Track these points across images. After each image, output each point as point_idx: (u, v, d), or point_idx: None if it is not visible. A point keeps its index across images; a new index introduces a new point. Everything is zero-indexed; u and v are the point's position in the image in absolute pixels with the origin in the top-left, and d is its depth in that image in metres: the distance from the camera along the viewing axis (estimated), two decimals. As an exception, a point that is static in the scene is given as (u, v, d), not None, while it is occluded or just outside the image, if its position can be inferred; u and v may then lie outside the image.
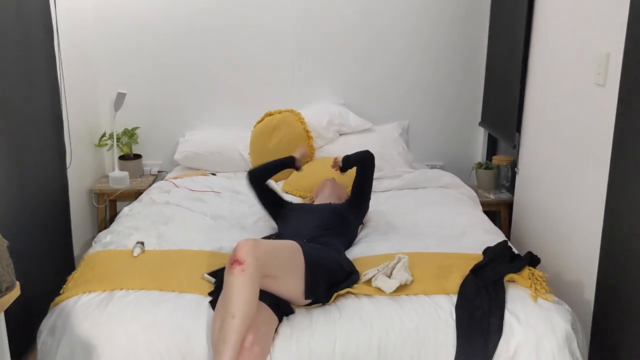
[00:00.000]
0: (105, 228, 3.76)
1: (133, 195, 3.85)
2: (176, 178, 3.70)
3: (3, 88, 2.55)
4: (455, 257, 2.48)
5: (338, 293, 2.21)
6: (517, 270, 2.30)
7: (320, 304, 2.20)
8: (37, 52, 2.87)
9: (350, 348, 2.03)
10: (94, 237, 3.81)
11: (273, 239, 2.48)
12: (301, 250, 2.20)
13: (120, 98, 3.82)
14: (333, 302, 2.20)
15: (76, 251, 3.46)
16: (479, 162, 3.98)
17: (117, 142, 4.00)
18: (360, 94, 4.19)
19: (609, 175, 2.30)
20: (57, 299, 2.24)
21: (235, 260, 1.96)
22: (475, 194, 3.52)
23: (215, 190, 3.50)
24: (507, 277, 2.27)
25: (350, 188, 3.00)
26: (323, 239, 2.49)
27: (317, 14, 4.06)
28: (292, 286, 2.13)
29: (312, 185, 3.42)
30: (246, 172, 2.94)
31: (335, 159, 2.93)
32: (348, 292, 2.24)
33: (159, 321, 2.07)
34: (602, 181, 2.39)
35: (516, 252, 2.48)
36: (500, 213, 3.79)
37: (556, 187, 2.89)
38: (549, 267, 2.91)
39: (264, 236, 2.70)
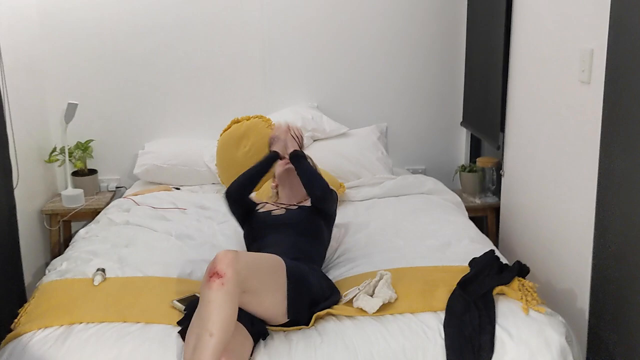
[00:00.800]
0: (59, 252, 3.74)
1: (89, 215, 3.83)
2: (136, 194, 3.70)
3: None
4: (440, 270, 2.51)
5: (318, 314, 2.23)
6: (507, 281, 2.33)
7: (298, 326, 2.21)
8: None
9: (334, 375, 2.05)
10: (47, 264, 3.80)
11: None
12: (284, 265, 2.21)
13: (71, 109, 3.79)
14: (313, 325, 2.22)
15: (27, 280, 3.41)
16: (463, 165, 4.03)
17: (70, 157, 3.98)
18: (335, 95, 4.22)
19: (599, 174, 2.36)
20: (8, 336, 2.21)
21: (214, 273, 1.96)
22: (460, 199, 3.57)
23: (180, 206, 3.50)
24: (496, 290, 2.30)
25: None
26: (301, 258, 2.50)
27: (285, 9, 4.07)
28: (272, 303, 2.14)
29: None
30: (223, 195, 2.82)
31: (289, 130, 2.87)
32: (328, 314, 2.25)
33: (124, 357, 2.06)
34: (592, 181, 2.44)
35: (505, 261, 2.52)
36: (487, 218, 3.85)
37: (544, 189, 2.94)
38: (539, 276, 2.96)
39: None
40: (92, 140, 4.12)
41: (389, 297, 2.26)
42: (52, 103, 4.07)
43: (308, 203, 2.83)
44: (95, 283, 2.49)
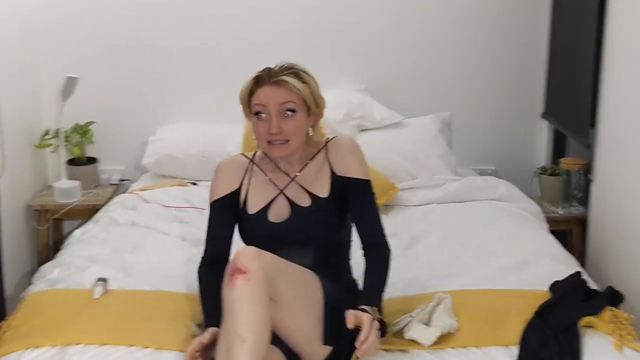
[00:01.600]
0: (47, 257, 3.77)
1: (86, 212, 3.85)
2: (144, 189, 3.73)
3: None
4: (514, 295, 2.50)
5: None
6: (596, 311, 2.32)
7: None
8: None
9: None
10: (32, 270, 3.82)
11: None
12: (319, 280, 2.20)
13: (70, 84, 3.81)
14: (357, 360, 2.22)
15: (8, 289, 3.40)
16: (543, 167, 4.00)
17: (65, 141, 4.02)
18: (388, 77, 4.22)
19: None
20: None
21: (235, 270, 1.97)
22: (539, 208, 3.56)
23: (197, 206, 3.52)
24: (582, 321, 2.28)
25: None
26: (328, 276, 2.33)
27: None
28: (304, 323, 2.12)
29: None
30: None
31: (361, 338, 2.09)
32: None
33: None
34: None
35: (594, 286, 2.51)
36: (571, 233, 3.82)
37: (645, 200, 2.91)
38: (636, 305, 2.92)
39: None
40: (92, 123, 4.15)
41: (449, 327, 2.25)
42: (47, 77, 4.11)
43: (321, 168, 2.43)
44: (95, 296, 2.51)
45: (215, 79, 4.19)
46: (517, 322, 2.30)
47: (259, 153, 2.52)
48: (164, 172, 4.04)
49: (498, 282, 2.62)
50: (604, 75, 3.32)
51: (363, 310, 2.11)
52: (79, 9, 4.07)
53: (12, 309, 2.82)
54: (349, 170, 2.38)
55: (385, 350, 2.23)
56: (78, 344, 2.22)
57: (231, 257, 2.08)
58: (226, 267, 2.03)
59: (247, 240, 2.40)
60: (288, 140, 2.30)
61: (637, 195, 2.98)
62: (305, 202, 2.37)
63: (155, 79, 4.19)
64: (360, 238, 2.37)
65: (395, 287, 2.64)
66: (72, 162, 4.10)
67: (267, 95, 2.31)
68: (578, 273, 2.53)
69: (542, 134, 4.32)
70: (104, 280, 2.60)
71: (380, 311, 2.22)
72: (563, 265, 2.78)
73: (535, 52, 4.20)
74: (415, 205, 3.58)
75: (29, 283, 2.85)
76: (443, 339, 2.23)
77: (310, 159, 2.43)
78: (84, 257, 2.87)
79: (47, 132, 4.07)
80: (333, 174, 2.38)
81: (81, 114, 4.14)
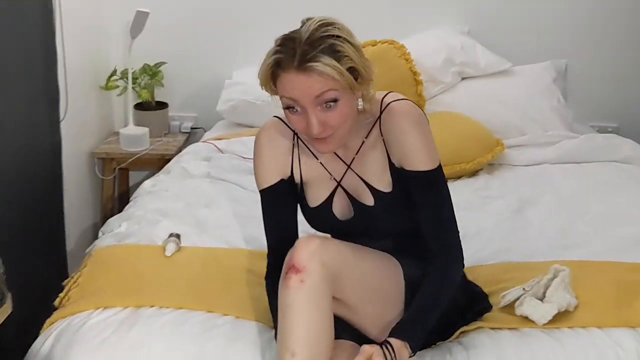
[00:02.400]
0: (112, 210, 3.85)
1: (155, 163, 3.94)
2: (219, 139, 3.76)
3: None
4: (642, 269, 2.47)
5: (463, 330, 2.18)
6: None
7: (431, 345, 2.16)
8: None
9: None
10: (95, 224, 3.92)
11: None
12: (399, 265, 2.14)
13: (140, 19, 3.85)
14: (456, 338, 2.18)
15: (70, 244, 3.49)
16: (675, 124, 3.91)
17: (134, 83, 4.08)
18: (494, 17, 4.18)
19: None
20: (54, 316, 2.27)
21: (291, 267, 1.93)
22: (669, 172, 3.48)
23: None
24: None
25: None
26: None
27: None
28: (379, 317, 2.08)
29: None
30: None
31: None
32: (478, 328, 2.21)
33: (208, 356, 2.09)
34: None
35: None
36: None
37: None
38: None
39: None
40: (163, 64, 4.19)
41: (567, 304, 2.21)
42: (114, 12, 4.15)
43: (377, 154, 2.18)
44: (167, 253, 2.54)
45: (297, 18, 4.14)
46: (646, 301, 2.27)
47: None
48: (241, 121, 4.05)
49: (623, 256, 2.57)
50: None
51: (387, 344, 1.91)
52: None
53: (75, 264, 2.88)
54: (407, 160, 2.07)
55: (493, 329, 2.19)
56: (152, 306, 2.25)
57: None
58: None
59: (314, 225, 2.28)
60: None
61: None
62: (367, 199, 2.15)
63: (234, 15, 4.19)
64: (425, 241, 2.12)
65: (499, 251, 2.66)
66: (140, 106, 4.16)
67: (296, 86, 1.94)
68: None
69: (672, 86, 4.23)
70: (177, 236, 2.62)
71: (413, 348, 1.95)
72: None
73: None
74: (524, 165, 3.54)
75: (94, 237, 2.89)
76: (559, 317, 2.19)
77: (366, 136, 2.14)
78: (155, 211, 2.90)
79: (113, 73, 4.12)
80: (391, 163, 2.12)
81: (151, 53, 4.18)
